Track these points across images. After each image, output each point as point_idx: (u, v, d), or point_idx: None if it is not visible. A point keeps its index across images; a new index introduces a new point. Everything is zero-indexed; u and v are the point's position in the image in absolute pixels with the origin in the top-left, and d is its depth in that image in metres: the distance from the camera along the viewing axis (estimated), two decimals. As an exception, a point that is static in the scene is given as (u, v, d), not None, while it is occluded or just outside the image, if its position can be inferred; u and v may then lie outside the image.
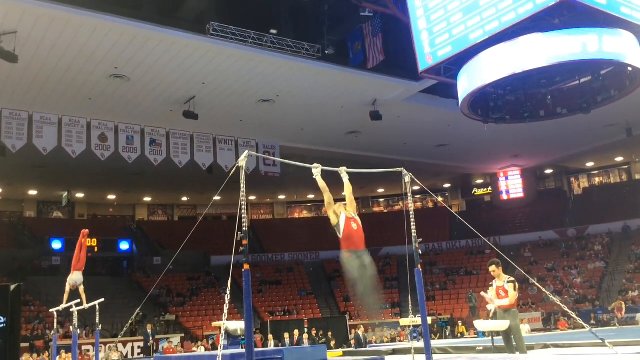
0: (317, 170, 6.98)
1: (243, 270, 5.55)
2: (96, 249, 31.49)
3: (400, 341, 23.93)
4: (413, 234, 7.21)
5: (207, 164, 22.06)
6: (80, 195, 33.41)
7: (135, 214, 37.43)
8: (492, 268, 8.68)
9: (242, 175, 6.09)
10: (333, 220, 6.83)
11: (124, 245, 33.01)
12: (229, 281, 5.86)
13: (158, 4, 16.11)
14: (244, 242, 5.59)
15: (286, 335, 21.54)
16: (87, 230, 13.06)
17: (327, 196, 6.84)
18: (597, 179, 37.44)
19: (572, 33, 12.91)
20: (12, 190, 30.84)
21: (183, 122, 19.99)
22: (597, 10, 12.30)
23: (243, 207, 5.74)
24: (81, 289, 12.59)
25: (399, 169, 7.63)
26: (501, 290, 8.53)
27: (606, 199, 34.06)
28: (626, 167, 35.96)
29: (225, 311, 5.65)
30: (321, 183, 6.94)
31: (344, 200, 7.16)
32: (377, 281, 7.12)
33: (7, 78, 16.81)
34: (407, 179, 7.46)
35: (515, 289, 8.40)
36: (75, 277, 12.48)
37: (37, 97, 18.37)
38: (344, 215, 6.82)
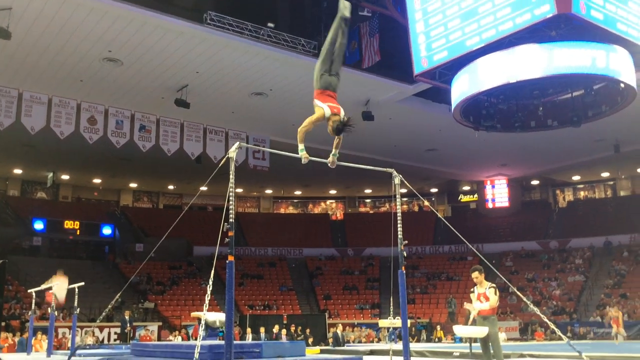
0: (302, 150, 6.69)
1: (227, 261, 5.52)
2: (78, 232, 31.29)
3: (370, 342, 24.02)
4: (399, 236, 7.21)
5: (196, 154, 21.96)
6: (65, 176, 33.12)
7: (120, 200, 37.17)
8: (475, 274, 8.70)
9: (232, 166, 6.06)
10: (317, 110, 6.49)
11: (107, 230, 32.77)
12: (212, 272, 5.83)
13: (156, -11, 16.00)
14: (230, 233, 5.56)
15: (262, 329, 21.48)
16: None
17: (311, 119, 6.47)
18: (582, 193, 37.76)
19: (568, 46, 13.01)
20: (-3, 167, 30.52)
21: (174, 110, 19.88)
22: (594, 25, 12.41)
23: (231, 198, 5.70)
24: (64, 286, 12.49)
25: (389, 170, 7.63)
26: (482, 296, 8.55)
27: (590, 213, 34.35)
28: (612, 183, 36.30)
29: (207, 302, 5.62)
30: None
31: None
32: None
33: (-2, 54, 16.63)
34: (396, 180, 7.47)
35: (496, 294, 8.44)
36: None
37: (28, 76, 18.18)
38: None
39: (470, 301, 8.88)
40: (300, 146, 6.51)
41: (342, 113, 6.51)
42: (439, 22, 14.47)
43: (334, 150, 6.83)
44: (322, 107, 6.44)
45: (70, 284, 12.26)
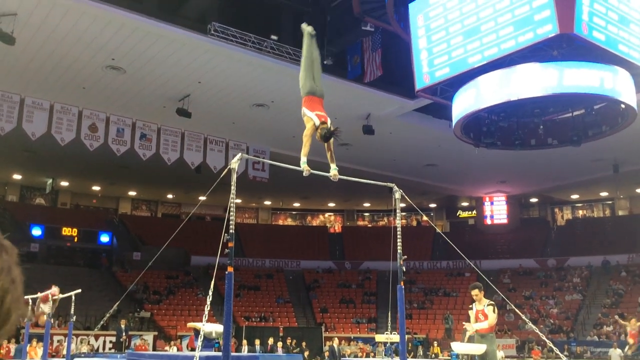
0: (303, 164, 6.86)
1: (226, 272, 5.51)
2: (76, 239, 31.20)
3: (366, 356, 23.86)
4: (399, 251, 7.21)
5: (196, 163, 21.97)
6: (64, 183, 33.11)
7: (119, 207, 37.14)
8: (475, 292, 8.70)
9: (234, 177, 6.07)
10: (307, 121, 6.91)
11: (105, 238, 32.69)
12: (212, 283, 5.82)
13: (161, -1, 16.11)
14: (230, 244, 5.56)
15: (257, 341, 21.36)
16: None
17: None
18: (580, 212, 37.78)
19: (570, 66, 13.09)
20: (-4, 172, 30.52)
21: (175, 119, 19.92)
22: (596, 45, 12.47)
23: (232, 209, 5.70)
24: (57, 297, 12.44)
25: (390, 184, 7.64)
26: (481, 314, 8.55)
27: (588, 232, 34.35)
28: (610, 202, 36.34)
29: (206, 313, 5.60)
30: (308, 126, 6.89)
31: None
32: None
33: (2, 59, 16.68)
34: (397, 195, 7.48)
35: (494, 312, 8.43)
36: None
37: (30, 81, 18.23)
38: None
39: (468, 317, 8.86)
40: (303, 159, 6.69)
41: (329, 122, 6.93)
42: (442, 39, 14.55)
43: (332, 164, 6.97)
44: (311, 117, 6.88)
45: (67, 291, 12.21)
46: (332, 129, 6.78)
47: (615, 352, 21.82)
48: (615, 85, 13.15)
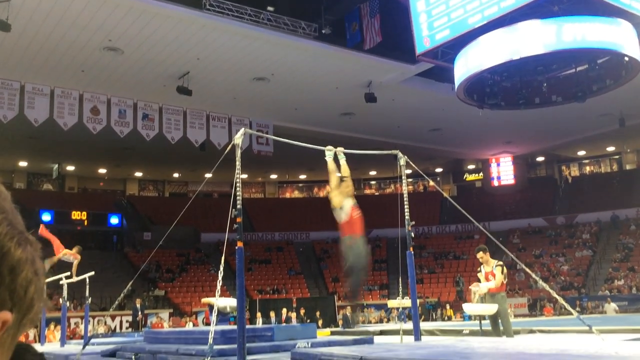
0: (330, 152, 6.98)
1: (236, 247, 5.54)
2: (86, 223, 31.42)
3: (387, 322, 24.11)
4: (406, 217, 7.22)
5: (200, 141, 21.96)
6: (70, 168, 33.21)
7: (126, 189, 37.30)
8: (480, 254, 8.73)
9: (238, 153, 6.06)
10: (337, 203, 6.88)
11: (114, 220, 32.92)
12: (223, 258, 5.86)
13: (154, -24, 15.89)
14: (238, 219, 5.58)
15: (272, 313, 21.63)
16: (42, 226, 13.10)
17: (334, 179, 6.91)
18: (588, 168, 37.65)
19: (571, 21, 12.89)
20: (2, 161, 30.58)
21: (176, 97, 19.84)
22: (597, -2, 12.27)
23: (238, 185, 5.71)
24: (75, 263, 12.56)
25: (394, 152, 7.62)
26: (490, 275, 8.60)
27: (596, 188, 34.28)
28: (617, 157, 36.17)
29: (219, 288, 5.65)
30: (331, 165, 6.96)
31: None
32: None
33: (-1, 47, 16.60)
34: (402, 161, 7.46)
35: (502, 273, 8.48)
36: (69, 251, 12.45)
37: (29, 68, 18.16)
38: (350, 201, 6.85)
39: (478, 281, 8.91)
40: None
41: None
42: (440, 1, 14.34)
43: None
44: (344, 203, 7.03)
45: (80, 274, 12.34)
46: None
47: (610, 307, 22.01)
48: (618, 38, 12.96)
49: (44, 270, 0.84)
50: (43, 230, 12.78)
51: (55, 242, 12.52)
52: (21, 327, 0.77)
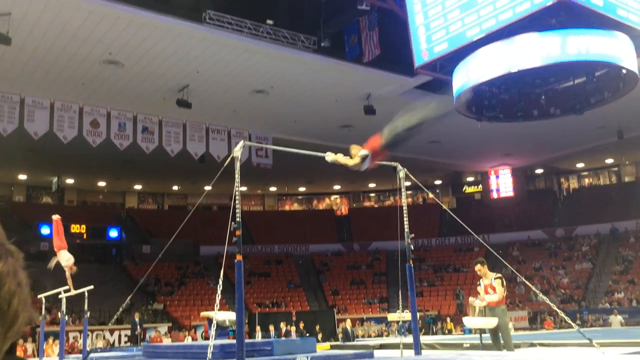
0: (329, 157, 6.97)
1: (236, 261, 5.52)
2: (85, 236, 31.34)
3: (387, 335, 24.02)
4: (405, 230, 7.21)
5: (199, 154, 21.97)
6: (70, 181, 33.19)
7: (125, 202, 37.25)
8: (478, 267, 8.70)
9: (237, 165, 6.07)
10: (356, 160, 6.89)
11: (113, 233, 32.84)
12: (221, 272, 5.84)
13: (154, -10, 15.99)
14: (237, 232, 5.57)
15: (271, 327, 21.52)
16: (57, 217, 12.69)
17: (345, 160, 6.84)
18: (586, 180, 37.67)
19: (569, 34, 12.96)
20: (2, 174, 30.58)
21: (176, 110, 19.88)
22: (594, 11, 12.35)
23: (237, 197, 5.71)
24: (67, 274, 12.42)
25: (394, 164, 7.63)
26: (489, 287, 8.56)
27: (595, 200, 34.28)
28: (616, 169, 36.19)
29: (217, 301, 5.63)
30: (333, 157, 6.90)
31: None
32: None
33: (-1, 60, 16.66)
34: (401, 174, 7.46)
35: (502, 285, 8.45)
36: (67, 256, 12.27)
37: (29, 81, 18.21)
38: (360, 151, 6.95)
39: (478, 294, 8.88)
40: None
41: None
42: (439, 14, 14.42)
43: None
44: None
45: (78, 288, 12.26)
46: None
47: (616, 319, 21.93)
48: (616, 50, 13.03)
49: (27, 281, 0.83)
50: (57, 221, 12.35)
51: (56, 241, 12.27)
52: (6, 339, 0.76)
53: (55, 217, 12.26)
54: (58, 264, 11.98)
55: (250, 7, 17.15)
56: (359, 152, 6.86)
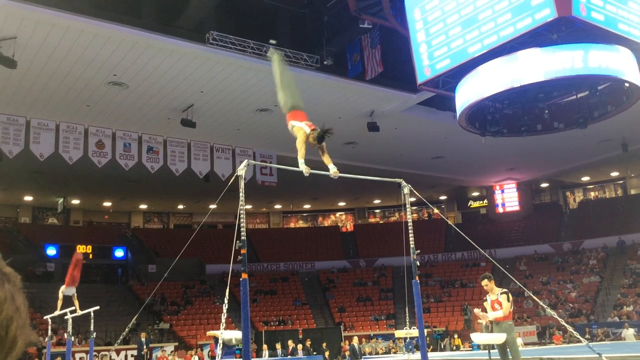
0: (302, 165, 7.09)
1: (241, 279, 5.53)
2: (91, 256, 31.39)
3: (395, 353, 23.85)
4: (411, 245, 7.21)
5: (204, 173, 22.05)
6: (75, 201, 33.31)
7: (131, 221, 37.32)
8: (485, 282, 8.68)
9: (242, 184, 6.10)
10: (298, 131, 7.24)
11: (119, 253, 32.89)
12: (227, 290, 5.84)
13: (158, 12, 16.18)
14: (242, 251, 5.58)
15: (278, 345, 21.42)
16: (81, 256, 12.83)
17: (300, 140, 7.13)
18: (592, 194, 37.56)
19: (571, 49, 13.01)
20: (8, 195, 30.73)
21: (181, 130, 20.00)
22: (595, 26, 12.40)
23: (242, 216, 5.73)
24: (74, 296, 12.49)
25: (398, 180, 7.65)
26: (496, 303, 8.53)
27: (601, 213, 34.15)
28: (621, 182, 36.10)
29: (223, 320, 5.62)
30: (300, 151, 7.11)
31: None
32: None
33: (5, 83, 16.81)
34: (406, 190, 7.48)
35: (508, 300, 8.41)
36: (68, 291, 12.35)
37: (35, 103, 18.37)
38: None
39: (485, 310, 8.85)
40: (301, 161, 6.97)
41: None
42: (440, 31, 14.51)
43: (330, 164, 7.31)
44: (302, 127, 7.25)
45: (84, 308, 12.28)
46: (325, 128, 7.18)
47: (628, 332, 21.72)
48: (618, 64, 13.07)
49: (26, 303, 0.82)
50: (77, 258, 12.42)
51: (71, 277, 12.34)
52: None
53: (79, 255, 12.43)
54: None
55: (253, 27, 17.31)
56: (293, 129, 7.38)
